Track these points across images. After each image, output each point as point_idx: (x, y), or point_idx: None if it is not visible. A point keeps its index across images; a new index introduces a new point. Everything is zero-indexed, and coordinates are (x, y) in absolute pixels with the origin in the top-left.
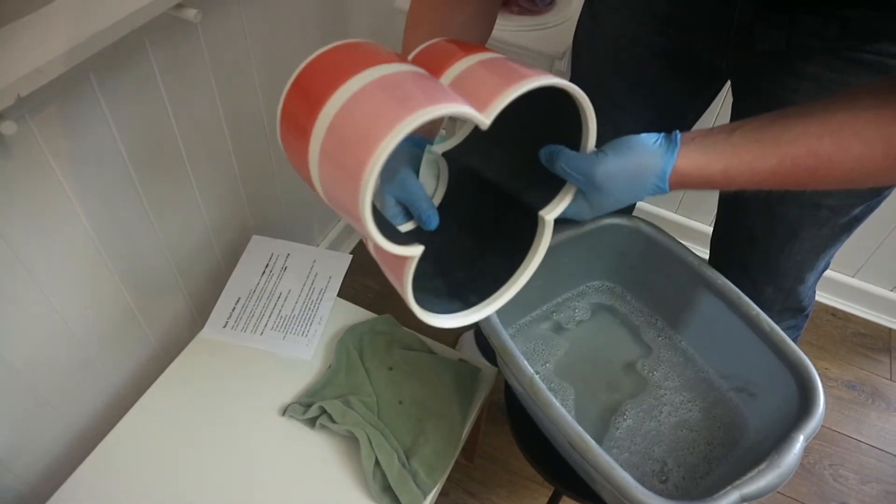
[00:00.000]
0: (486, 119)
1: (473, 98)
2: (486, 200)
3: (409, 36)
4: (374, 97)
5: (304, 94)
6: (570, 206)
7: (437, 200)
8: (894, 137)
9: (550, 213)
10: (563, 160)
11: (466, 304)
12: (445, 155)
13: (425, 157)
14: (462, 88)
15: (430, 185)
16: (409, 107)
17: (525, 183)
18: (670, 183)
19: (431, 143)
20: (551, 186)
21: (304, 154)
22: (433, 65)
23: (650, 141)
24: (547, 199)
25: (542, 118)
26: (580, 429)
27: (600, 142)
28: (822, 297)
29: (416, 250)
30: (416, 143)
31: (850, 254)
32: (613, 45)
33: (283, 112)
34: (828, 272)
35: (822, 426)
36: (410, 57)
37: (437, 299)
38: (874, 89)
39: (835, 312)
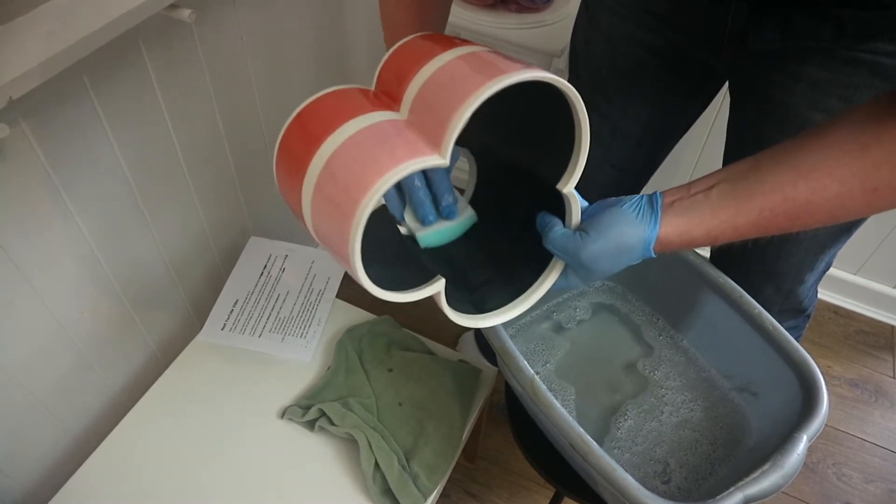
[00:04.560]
0: (443, 160)
1: (429, 135)
2: (514, 193)
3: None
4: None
5: (289, 155)
6: (559, 279)
7: (467, 196)
8: (866, 170)
9: (567, 186)
10: (550, 241)
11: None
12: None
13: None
14: (418, 126)
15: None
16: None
17: (538, 154)
18: (655, 250)
19: None
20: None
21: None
22: (393, 89)
23: (631, 213)
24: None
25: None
26: (581, 430)
27: (596, 141)
28: (824, 294)
29: (437, 287)
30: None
31: (853, 251)
32: (609, 44)
33: (278, 166)
34: (830, 270)
35: (826, 425)
36: (375, 77)
37: (469, 297)
38: (840, 123)
39: (837, 310)
